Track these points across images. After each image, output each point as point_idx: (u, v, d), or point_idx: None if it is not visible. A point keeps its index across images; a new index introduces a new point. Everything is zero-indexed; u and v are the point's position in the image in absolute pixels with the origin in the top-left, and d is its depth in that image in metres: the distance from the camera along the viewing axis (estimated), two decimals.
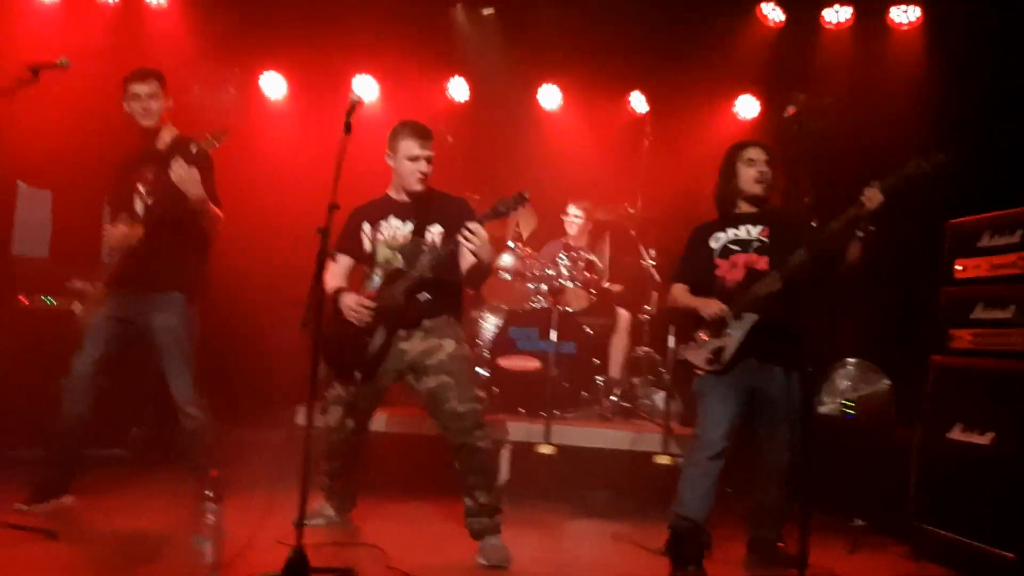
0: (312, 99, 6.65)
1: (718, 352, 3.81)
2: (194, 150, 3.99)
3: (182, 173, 3.95)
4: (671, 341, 4.80)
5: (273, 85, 6.82)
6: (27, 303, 5.43)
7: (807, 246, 3.60)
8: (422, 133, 3.94)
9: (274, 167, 6.42)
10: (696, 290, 3.99)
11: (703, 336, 3.88)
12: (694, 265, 4.03)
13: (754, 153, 3.94)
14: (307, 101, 6.73)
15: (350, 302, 3.87)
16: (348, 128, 3.43)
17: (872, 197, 3.51)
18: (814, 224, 3.41)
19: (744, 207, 3.98)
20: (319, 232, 3.25)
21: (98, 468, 4.74)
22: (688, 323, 3.98)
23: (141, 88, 4.19)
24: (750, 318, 3.77)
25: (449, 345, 3.88)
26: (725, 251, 3.93)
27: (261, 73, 6.75)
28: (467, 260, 3.85)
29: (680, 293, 4.05)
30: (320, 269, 3.23)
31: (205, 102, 6.53)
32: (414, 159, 3.92)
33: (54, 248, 5.87)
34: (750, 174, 3.92)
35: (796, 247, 3.66)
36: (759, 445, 3.92)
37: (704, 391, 3.88)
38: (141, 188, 4.18)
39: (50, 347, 5.05)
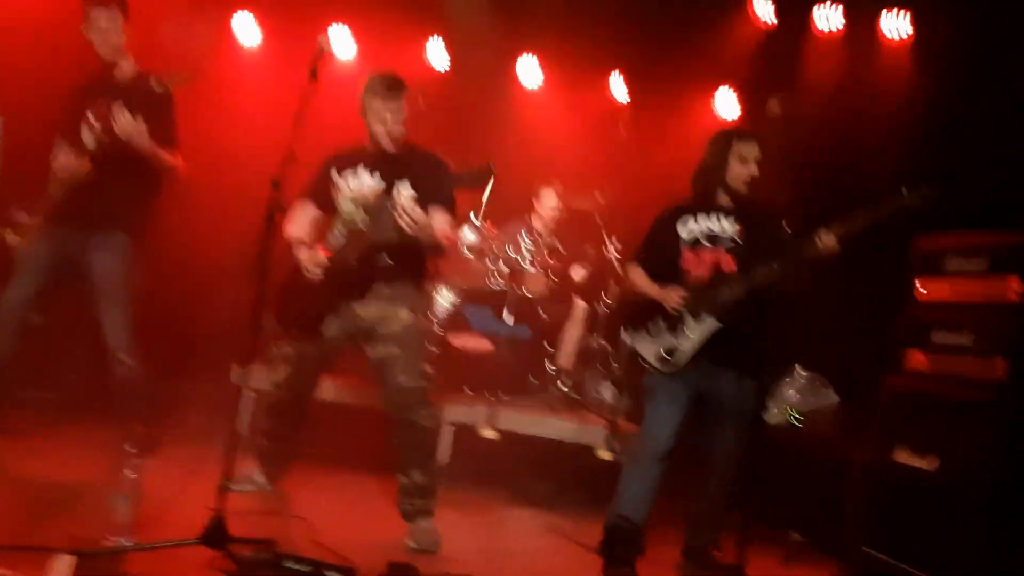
0: (286, 48, 6.45)
1: (672, 352, 3.72)
2: (156, 87, 3.81)
3: (128, 127, 3.78)
4: (623, 332, 4.71)
5: (247, 30, 6.62)
6: None
7: (779, 263, 3.50)
8: (390, 87, 3.71)
9: (242, 115, 6.21)
10: (657, 276, 3.85)
11: (655, 327, 3.76)
12: (659, 250, 3.87)
13: (749, 151, 3.75)
14: (280, 50, 6.53)
15: (303, 256, 3.71)
16: (314, 74, 3.28)
17: (828, 243, 3.47)
18: (786, 228, 3.34)
19: (723, 199, 3.82)
20: (272, 183, 3.10)
21: (27, 409, 4.58)
22: (642, 311, 3.86)
23: (101, 15, 4.00)
24: (710, 323, 3.67)
25: (404, 315, 3.73)
26: (695, 243, 3.79)
27: (234, 13, 6.54)
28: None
29: (639, 277, 3.91)
30: (270, 222, 3.06)
31: (174, 40, 6.34)
32: (380, 116, 3.73)
33: (1, 175, 5.61)
34: (741, 173, 3.75)
35: (767, 253, 3.57)
36: (703, 449, 3.85)
37: (654, 390, 3.79)
38: (92, 120, 3.95)
39: None
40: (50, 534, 2.96)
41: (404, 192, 3.69)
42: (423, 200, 3.59)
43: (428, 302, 5.91)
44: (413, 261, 3.82)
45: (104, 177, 3.92)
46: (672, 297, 3.71)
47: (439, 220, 3.66)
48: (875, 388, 4.36)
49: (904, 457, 4.07)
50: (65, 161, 3.98)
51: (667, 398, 3.72)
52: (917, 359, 4.23)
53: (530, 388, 5.52)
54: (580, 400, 5.53)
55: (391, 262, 3.72)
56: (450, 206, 3.75)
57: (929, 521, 3.82)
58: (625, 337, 3.93)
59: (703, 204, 3.84)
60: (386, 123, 3.72)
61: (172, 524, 3.17)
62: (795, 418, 5.03)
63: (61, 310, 4.96)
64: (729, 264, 3.73)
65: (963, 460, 3.75)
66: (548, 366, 5.62)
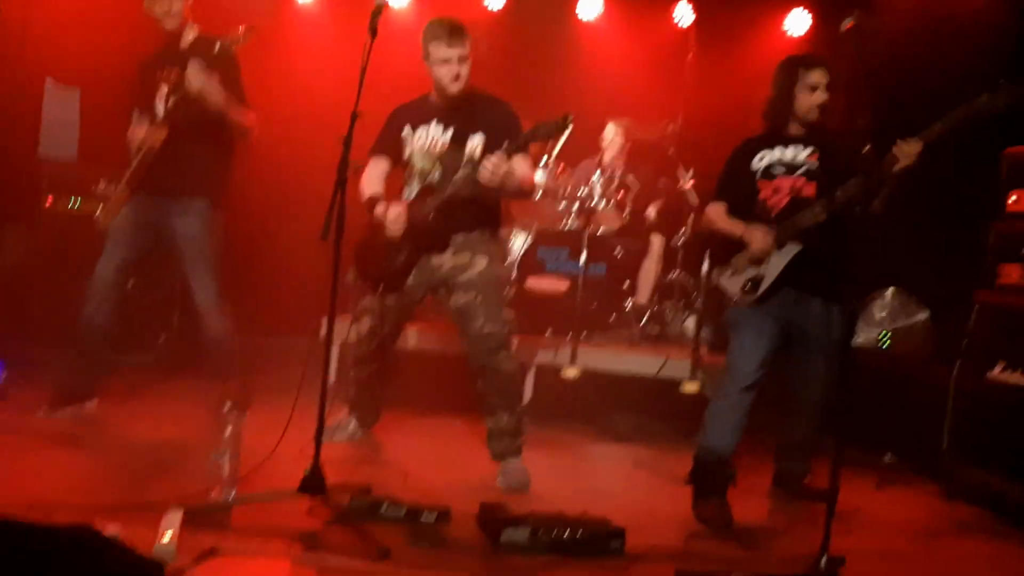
0: (343, 2, 6.43)
1: (755, 282, 3.65)
2: (217, 49, 3.86)
3: (199, 83, 3.83)
4: (705, 267, 4.65)
5: None
6: (52, 205, 5.38)
7: (858, 180, 3.38)
8: (452, 32, 3.67)
9: (304, 72, 6.25)
10: (736, 212, 3.78)
11: (739, 261, 3.71)
12: (735, 185, 3.80)
13: (818, 77, 3.62)
14: (337, 4, 6.51)
15: (381, 212, 3.74)
16: (374, 32, 3.25)
17: (907, 153, 3.27)
18: (866, 151, 3.20)
19: (795, 129, 3.73)
20: (342, 142, 3.12)
21: (125, 374, 4.74)
22: (725, 247, 3.80)
23: None
24: (791, 248, 3.59)
25: (481, 262, 3.76)
26: (769, 173, 3.70)
27: None
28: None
29: (718, 214, 3.83)
30: (341, 180, 3.09)
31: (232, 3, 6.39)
32: (445, 61, 3.70)
33: (82, 149, 5.77)
34: (811, 100, 3.63)
35: (845, 176, 3.46)
36: (792, 378, 3.81)
37: (738, 322, 3.74)
38: (163, 88, 4.04)
39: (76, 250, 5.03)
40: (157, 492, 3.10)
41: (477, 143, 3.69)
42: (498, 149, 3.55)
43: (504, 248, 5.94)
44: (488, 210, 3.83)
45: (182, 144, 4.00)
46: (760, 240, 3.61)
47: (520, 166, 3.65)
48: (969, 305, 4.24)
49: (1000, 374, 3.97)
50: (141, 131, 4.06)
51: (753, 330, 3.67)
52: (1010, 273, 4.08)
53: (610, 326, 5.51)
54: (662, 334, 5.50)
55: (464, 211, 3.72)
56: (525, 150, 3.72)
57: None
58: (712, 274, 3.90)
59: (775, 136, 3.75)
60: (452, 68, 3.69)
61: (272, 476, 3.29)
62: (883, 338, 4.92)
63: (154, 274, 5.14)
64: (808, 191, 3.63)
65: None
66: (627, 302, 5.59)
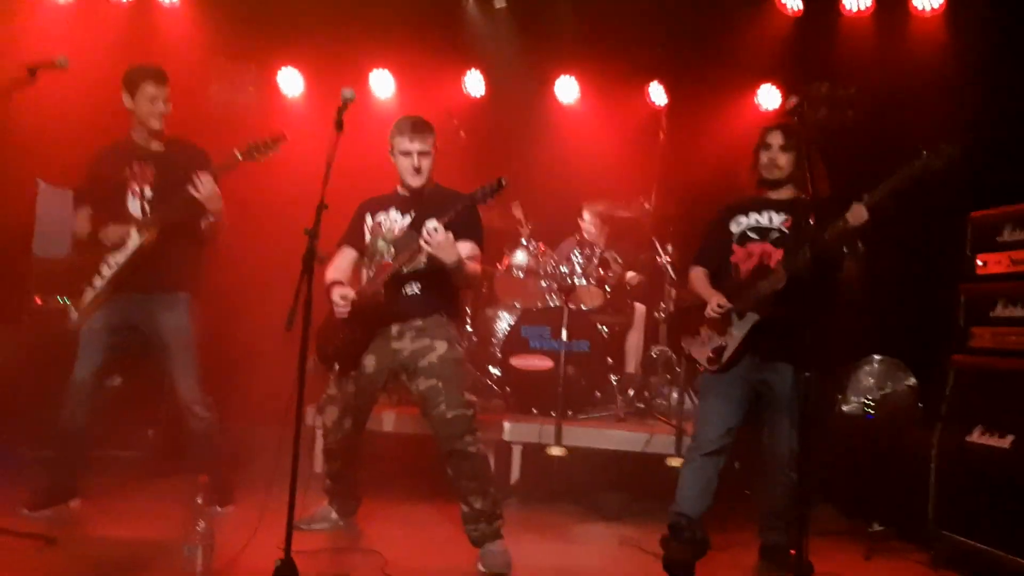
0: (329, 95, 6.58)
1: (719, 351, 3.76)
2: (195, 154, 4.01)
3: (208, 191, 3.97)
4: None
5: (290, 81, 6.79)
6: (41, 303, 5.45)
7: (809, 246, 3.49)
8: (415, 126, 3.85)
9: (287, 165, 6.37)
10: (714, 275, 3.93)
11: (707, 330, 3.82)
12: (713, 248, 3.97)
13: (771, 138, 3.84)
14: (322, 99, 6.69)
15: (334, 295, 3.80)
16: (339, 126, 3.37)
17: (857, 215, 3.45)
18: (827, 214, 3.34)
19: (771, 193, 3.89)
20: (306, 233, 3.20)
21: (111, 470, 4.75)
22: (695, 315, 3.92)
23: (159, 91, 4.14)
24: (751, 318, 3.69)
25: (440, 347, 3.80)
26: (743, 238, 3.85)
27: (279, 69, 6.73)
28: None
29: (697, 277, 3.99)
30: (306, 271, 3.16)
31: (223, 100, 6.57)
32: (406, 153, 3.85)
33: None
34: (763, 159, 3.85)
35: (806, 240, 3.55)
36: (765, 441, 3.86)
37: (706, 389, 3.86)
38: (139, 187, 4.12)
39: (63, 348, 5.08)
40: None
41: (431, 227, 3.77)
42: (452, 235, 3.64)
43: (487, 328, 6.00)
44: (444, 292, 3.89)
45: (166, 241, 4.08)
46: (712, 304, 3.76)
47: (465, 247, 3.74)
48: (945, 370, 4.25)
49: (979, 437, 3.96)
50: (118, 231, 4.09)
51: (719, 397, 3.77)
52: (982, 335, 4.11)
53: (595, 402, 5.52)
54: (647, 409, 5.51)
55: (420, 293, 3.80)
56: (477, 240, 3.85)
57: (1011, 500, 3.71)
58: (684, 344, 3.99)
59: (754, 201, 3.91)
60: (412, 160, 3.83)
61: (247, 569, 3.28)
62: (868, 405, 4.92)
63: (142, 370, 5.17)
64: (775, 256, 3.74)
65: None
66: (612, 378, 5.61)
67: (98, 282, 4.11)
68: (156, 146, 4.21)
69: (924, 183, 3.37)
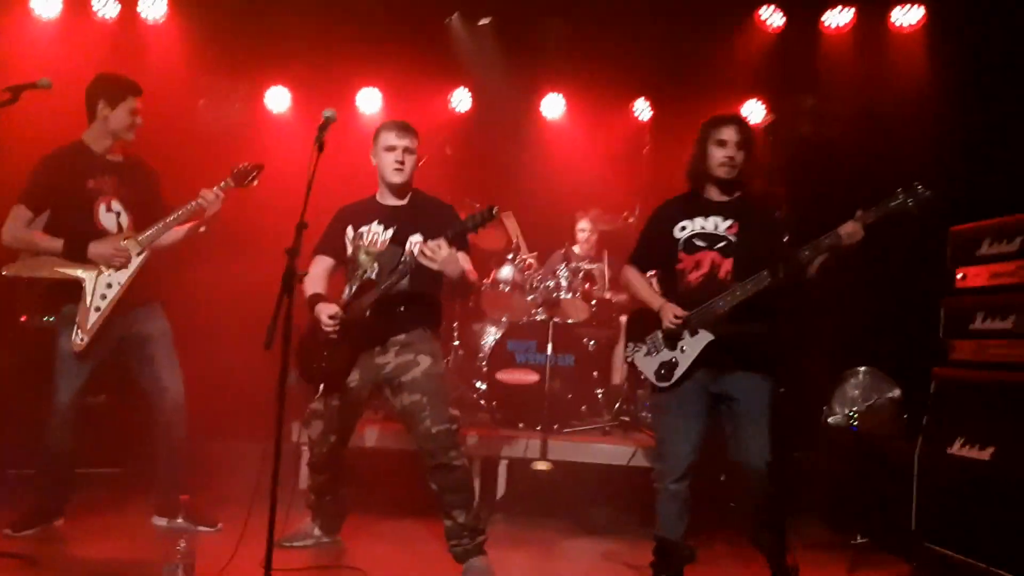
0: (317, 113, 6.58)
1: (669, 367, 3.58)
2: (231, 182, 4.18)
3: (215, 203, 4.12)
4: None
5: (278, 99, 6.80)
6: (26, 321, 5.44)
7: (770, 271, 3.44)
8: (400, 126, 3.90)
9: (281, 182, 6.39)
10: (658, 280, 3.80)
11: (653, 339, 3.65)
12: (656, 252, 3.76)
13: (727, 133, 3.59)
14: (312, 115, 6.67)
15: (320, 313, 3.79)
16: (320, 145, 3.39)
17: (854, 233, 3.41)
18: (785, 239, 3.28)
19: (714, 193, 3.68)
20: (286, 252, 3.21)
21: (95, 488, 4.71)
22: (643, 322, 3.72)
23: (138, 104, 4.18)
24: (705, 336, 3.54)
25: (424, 362, 3.80)
26: (690, 246, 3.62)
27: (267, 88, 6.74)
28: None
29: (637, 279, 3.79)
30: (286, 290, 3.17)
31: (211, 117, 6.59)
32: (390, 149, 3.85)
33: None
34: (717, 156, 3.59)
35: (760, 251, 3.51)
36: (731, 448, 3.65)
37: (660, 407, 3.70)
38: (110, 201, 4.13)
39: (48, 367, 5.06)
40: None
41: (416, 242, 3.76)
42: None
43: (474, 342, 6.01)
44: (427, 306, 3.91)
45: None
46: (668, 316, 3.56)
47: (460, 257, 3.73)
48: (926, 382, 4.28)
49: (959, 449, 3.98)
50: (108, 247, 4.07)
51: (676, 416, 3.59)
52: (963, 348, 4.14)
53: (581, 415, 5.53)
54: (632, 422, 5.52)
55: (403, 309, 3.81)
56: (463, 247, 3.82)
57: (990, 512, 3.72)
58: (627, 351, 3.78)
59: (697, 203, 3.69)
60: (396, 155, 3.84)
61: None
62: (851, 417, 4.95)
63: (128, 388, 5.15)
64: (726, 267, 3.58)
65: (1019, 447, 3.65)
66: (597, 391, 5.62)
67: (101, 303, 4.08)
68: (114, 157, 4.22)
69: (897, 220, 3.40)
